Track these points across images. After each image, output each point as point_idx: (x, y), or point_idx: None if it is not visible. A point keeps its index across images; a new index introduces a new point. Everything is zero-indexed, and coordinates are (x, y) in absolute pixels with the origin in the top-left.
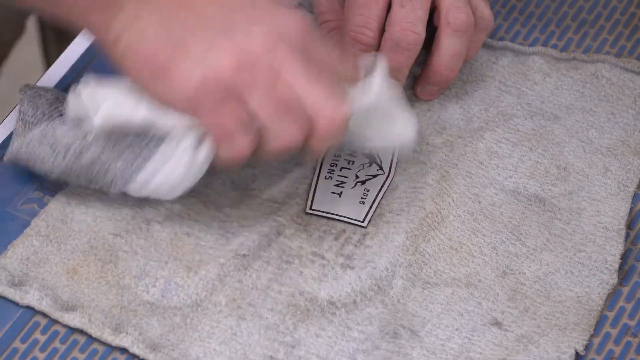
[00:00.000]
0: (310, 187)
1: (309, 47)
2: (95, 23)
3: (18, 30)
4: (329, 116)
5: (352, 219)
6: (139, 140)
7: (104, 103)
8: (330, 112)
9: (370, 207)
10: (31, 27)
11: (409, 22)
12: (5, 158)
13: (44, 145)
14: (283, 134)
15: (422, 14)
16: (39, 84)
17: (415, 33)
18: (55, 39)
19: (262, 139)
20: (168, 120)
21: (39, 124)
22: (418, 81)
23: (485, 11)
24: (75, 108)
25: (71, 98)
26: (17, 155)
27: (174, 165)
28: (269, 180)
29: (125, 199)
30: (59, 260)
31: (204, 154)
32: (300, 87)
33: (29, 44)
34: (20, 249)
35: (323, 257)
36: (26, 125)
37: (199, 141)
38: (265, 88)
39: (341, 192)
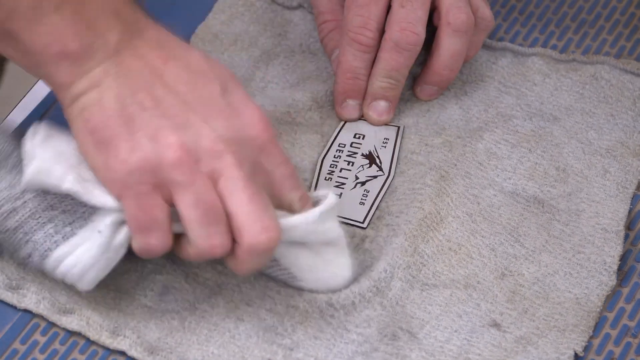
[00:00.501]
0: (310, 189)
1: (263, 157)
2: (59, 77)
3: None
4: (254, 240)
5: (352, 220)
6: (69, 212)
7: (35, 159)
8: (255, 236)
9: (370, 208)
10: None
11: (408, 23)
12: None
13: None
14: (203, 243)
15: (422, 15)
16: (37, 87)
17: (415, 33)
18: None
19: (182, 241)
20: (94, 197)
21: None
22: (417, 81)
23: (485, 12)
24: (22, 154)
25: (24, 141)
26: None
27: (89, 246)
28: None
29: None
30: None
31: (120, 240)
32: (233, 202)
33: None
34: None
35: None
36: None
37: (119, 226)
38: (197, 193)
39: (341, 194)
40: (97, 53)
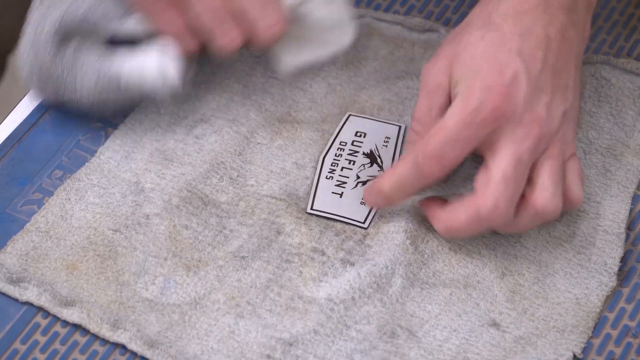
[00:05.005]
0: (311, 188)
1: None
2: None
3: (18, 18)
4: (266, 33)
5: (354, 220)
6: None
7: None
8: (267, 29)
9: (372, 208)
10: None
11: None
12: None
13: None
14: (224, 37)
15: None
16: None
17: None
18: None
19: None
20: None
21: None
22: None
23: (575, 193)
24: None
25: None
26: None
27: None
28: (267, 177)
29: (124, 195)
30: (58, 256)
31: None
32: (243, 1)
33: None
34: (19, 244)
35: (323, 253)
36: None
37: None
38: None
39: (342, 193)
40: None
